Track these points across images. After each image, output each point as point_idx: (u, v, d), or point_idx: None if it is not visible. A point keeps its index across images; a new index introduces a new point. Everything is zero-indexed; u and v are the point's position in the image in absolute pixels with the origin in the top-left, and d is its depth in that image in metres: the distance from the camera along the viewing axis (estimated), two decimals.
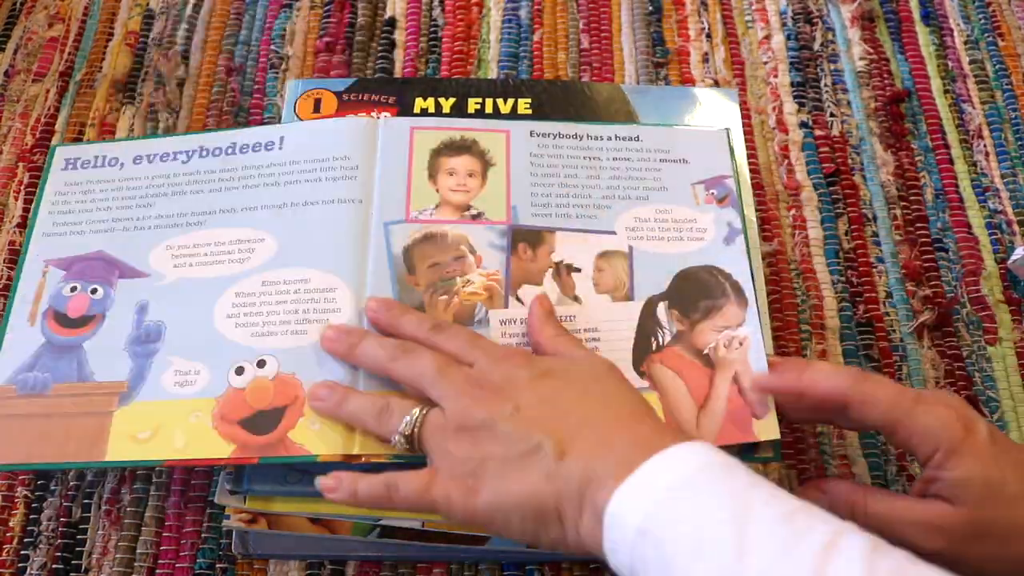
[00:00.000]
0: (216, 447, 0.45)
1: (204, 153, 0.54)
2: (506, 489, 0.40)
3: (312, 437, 0.45)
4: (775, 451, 0.46)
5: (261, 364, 0.47)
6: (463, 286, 0.49)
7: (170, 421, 0.46)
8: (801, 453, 0.53)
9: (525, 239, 0.51)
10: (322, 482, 0.43)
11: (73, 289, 0.50)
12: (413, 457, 0.45)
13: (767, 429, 0.46)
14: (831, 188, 0.63)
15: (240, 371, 0.47)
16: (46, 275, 0.51)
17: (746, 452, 0.46)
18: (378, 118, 0.55)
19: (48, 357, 0.48)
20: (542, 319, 0.47)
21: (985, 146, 0.65)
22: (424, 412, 0.43)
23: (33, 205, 0.54)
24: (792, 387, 0.45)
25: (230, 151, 0.54)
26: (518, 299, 0.49)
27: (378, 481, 0.42)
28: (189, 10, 0.71)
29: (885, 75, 0.68)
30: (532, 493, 0.39)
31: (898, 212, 0.62)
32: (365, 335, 0.46)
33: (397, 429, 0.43)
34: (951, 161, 0.64)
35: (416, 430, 0.43)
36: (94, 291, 0.50)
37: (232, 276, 0.50)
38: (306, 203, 0.52)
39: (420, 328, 0.46)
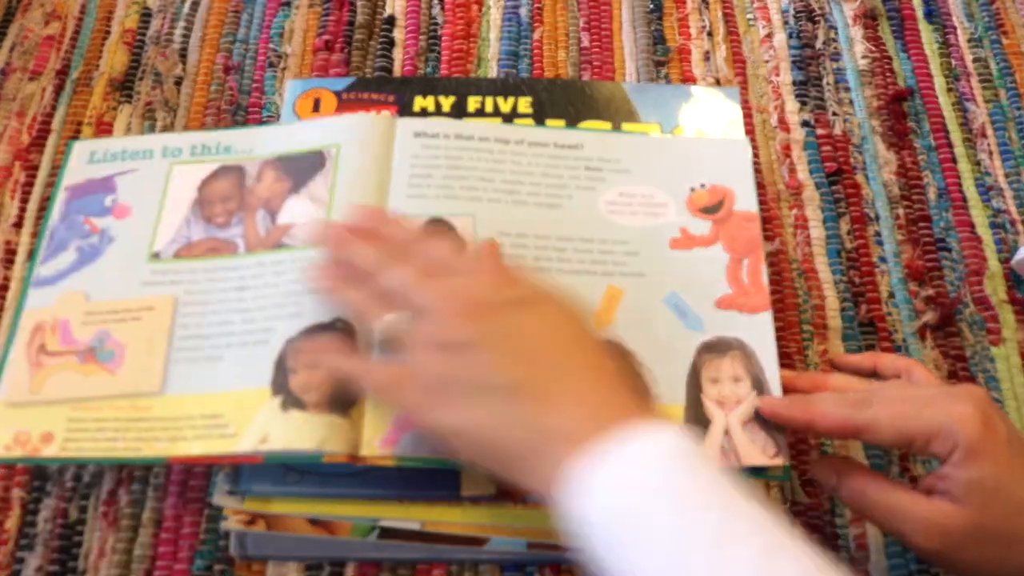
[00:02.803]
0: None
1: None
2: (472, 417, 0.40)
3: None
4: (785, 471, 0.47)
5: None
6: None
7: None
8: (803, 454, 0.53)
9: None
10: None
11: None
12: (416, 458, 0.45)
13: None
14: (833, 187, 0.62)
15: None
16: None
17: (758, 471, 0.46)
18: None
19: None
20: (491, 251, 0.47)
21: (989, 145, 0.64)
22: (402, 319, 0.44)
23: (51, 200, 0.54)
24: (800, 420, 0.45)
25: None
26: None
27: (355, 360, 0.45)
28: (187, 8, 0.70)
29: (888, 73, 0.67)
30: (496, 430, 0.39)
31: (901, 211, 0.62)
32: (354, 238, 0.47)
33: (373, 331, 0.45)
34: (954, 160, 0.64)
35: (391, 335, 0.44)
36: None
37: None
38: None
39: (406, 234, 0.47)
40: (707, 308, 0.50)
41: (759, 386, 0.48)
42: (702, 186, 0.54)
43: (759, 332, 0.49)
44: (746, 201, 0.54)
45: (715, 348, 0.49)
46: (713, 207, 0.53)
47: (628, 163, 0.55)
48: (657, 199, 0.54)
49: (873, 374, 0.50)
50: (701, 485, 0.36)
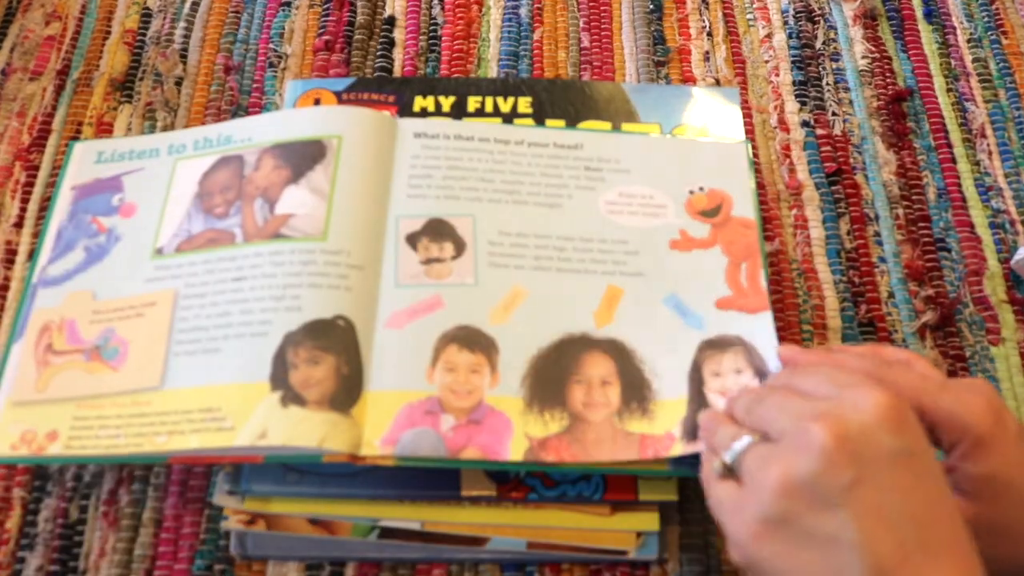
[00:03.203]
0: None
1: None
2: (791, 568, 0.36)
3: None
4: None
5: None
6: None
7: None
8: None
9: None
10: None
11: None
12: (416, 458, 0.45)
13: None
14: (833, 187, 0.62)
15: None
16: None
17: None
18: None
19: None
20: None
21: (988, 145, 0.64)
22: (754, 441, 0.39)
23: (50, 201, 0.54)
24: (821, 360, 0.44)
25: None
26: None
27: (708, 472, 0.41)
28: (187, 8, 0.70)
29: (887, 74, 0.67)
30: None
31: (900, 212, 0.62)
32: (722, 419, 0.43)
33: (722, 449, 0.40)
34: (954, 160, 0.64)
35: (739, 458, 0.39)
36: None
37: None
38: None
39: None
40: (707, 308, 0.50)
41: (762, 376, 0.48)
42: (700, 189, 0.54)
43: (760, 330, 0.49)
44: (744, 207, 0.54)
45: (716, 344, 0.49)
46: (711, 211, 0.53)
47: (627, 163, 0.55)
48: (656, 200, 0.54)
49: None
50: None
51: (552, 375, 0.48)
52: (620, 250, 0.52)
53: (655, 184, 0.54)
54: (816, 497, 0.35)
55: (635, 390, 0.47)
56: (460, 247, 0.51)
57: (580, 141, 0.55)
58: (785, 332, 0.57)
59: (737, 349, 0.49)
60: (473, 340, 0.48)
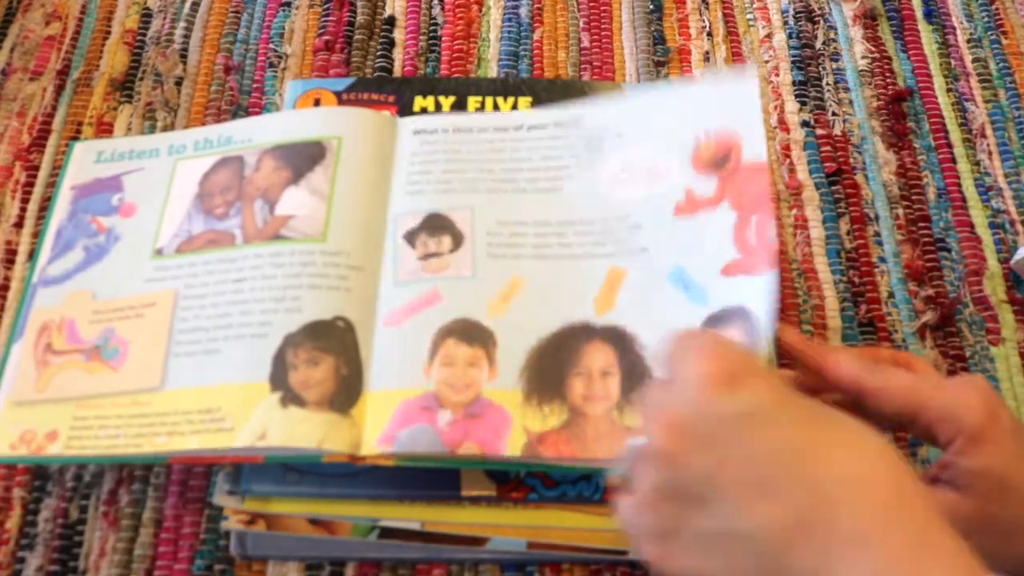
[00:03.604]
0: None
1: None
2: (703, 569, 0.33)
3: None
4: None
5: None
6: None
7: None
8: None
9: None
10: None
11: None
12: (416, 458, 0.45)
13: None
14: (833, 187, 0.63)
15: None
16: None
17: None
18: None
19: None
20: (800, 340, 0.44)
21: (988, 145, 0.64)
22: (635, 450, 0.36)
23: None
24: (814, 360, 0.44)
25: None
26: None
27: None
28: (187, 8, 0.70)
29: (887, 74, 0.67)
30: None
31: (900, 212, 0.62)
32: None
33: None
34: (954, 160, 0.64)
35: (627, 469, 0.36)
36: None
37: None
38: None
39: None
40: (712, 277, 0.47)
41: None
42: (707, 135, 0.51)
43: (760, 295, 0.45)
44: (754, 148, 0.49)
45: (719, 319, 0.47)
46: (720, 160, 0.50)
47: (629, 127, 0.53)
48: (660, 162, 0.52)
49: None
50: None
51: (551, 367, 0.47)
52: (622, 227, 0.51)
53: (659, 141, 0.52)
54: (688, 499, 0.33)
55: (636, 379, 0.47)
56: (458, 240, 0.51)
57: (579, 114, 0.55)
58: None
59: (738, 324, 0.45)
60: (471, 333, 0.48)
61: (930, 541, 0.30)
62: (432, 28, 0.70)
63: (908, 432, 0.52)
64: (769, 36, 0.69)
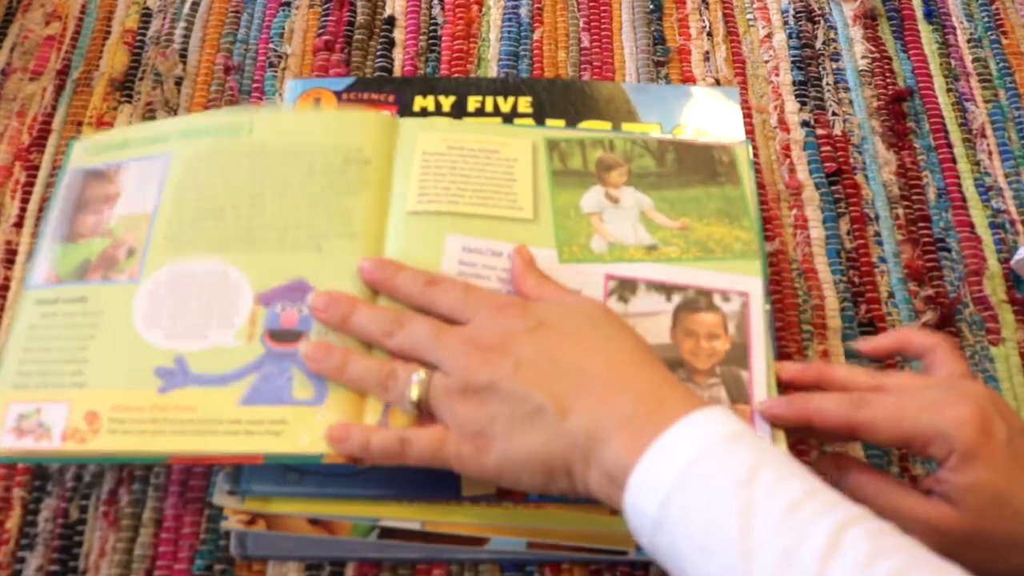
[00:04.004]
0: None
1: None
2: (514, 448, 0.41)
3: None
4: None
5: None
6: None
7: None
8: (803, 454, 0.53)
9: None
10: (331, 432, 0.43)
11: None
12: None
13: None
14: (833, 187, 0.63)
15: None
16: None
17: None
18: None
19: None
20: (523, 268, 0.47)
21: (988, 145, 0.64)
22: (429, 376, 0.43)
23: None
24: (798, 418, 0.44)
25: None
26: None
27: (391, 436, 0.43)
28: (187, 8, 0.70)
29: (887, 74, 0.68)
30: (538, 451, 0.40)
31: (900, 212, 0.62)
32: (356, 304, 0.46)
33: (404, 395, 0.43)
34: (954, 160, 0.64)
35: (422, 395, 0.43)
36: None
37: None
38: None
39: (415, 285, 0.46)
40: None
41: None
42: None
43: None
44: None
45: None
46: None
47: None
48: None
49: (897, 355, 0.50)
50: (768, 460, 0.36)
51: None
52: None
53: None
54: (490, 392, 0.41)
55: None
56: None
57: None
58: (785, 332, 0.57)
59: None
60: None
61: (669, 381, 0.41)
62: (432, 28, 0.70)
63: (909, 453, 0.52)
64: (769, 36, 0.69)
